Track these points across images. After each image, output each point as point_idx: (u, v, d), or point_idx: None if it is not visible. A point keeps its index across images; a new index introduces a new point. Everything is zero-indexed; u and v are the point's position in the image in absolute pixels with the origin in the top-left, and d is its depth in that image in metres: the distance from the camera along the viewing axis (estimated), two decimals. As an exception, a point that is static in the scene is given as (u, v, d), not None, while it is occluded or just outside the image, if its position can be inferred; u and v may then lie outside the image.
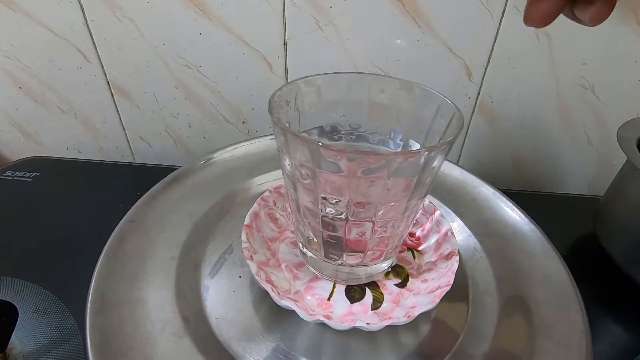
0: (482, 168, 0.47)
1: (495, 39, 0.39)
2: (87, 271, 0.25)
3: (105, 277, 0.25)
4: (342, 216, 0.22)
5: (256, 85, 0.44)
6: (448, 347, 0.23)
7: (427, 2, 0.37)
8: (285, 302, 0.22)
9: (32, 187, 0.41)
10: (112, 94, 0.46)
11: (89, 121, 0.48)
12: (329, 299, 0.24)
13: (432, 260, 0.27)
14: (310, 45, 0.41)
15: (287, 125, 0.22)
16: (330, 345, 0.23)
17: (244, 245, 0.25)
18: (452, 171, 0.35)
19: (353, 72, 0.25)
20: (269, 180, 0.34)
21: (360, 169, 0.19)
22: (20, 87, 0.45)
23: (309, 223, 0.23)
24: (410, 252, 0.28)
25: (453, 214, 0.32)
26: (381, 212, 0.21)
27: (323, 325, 0.22)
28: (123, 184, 0.42)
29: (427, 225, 0.29)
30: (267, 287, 0.23)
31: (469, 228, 0.31)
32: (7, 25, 0.41)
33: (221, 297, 0.25)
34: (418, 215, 0.28)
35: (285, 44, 0.41)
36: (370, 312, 0.24)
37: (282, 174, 0.23)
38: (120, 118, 0.48)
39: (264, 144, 0.38)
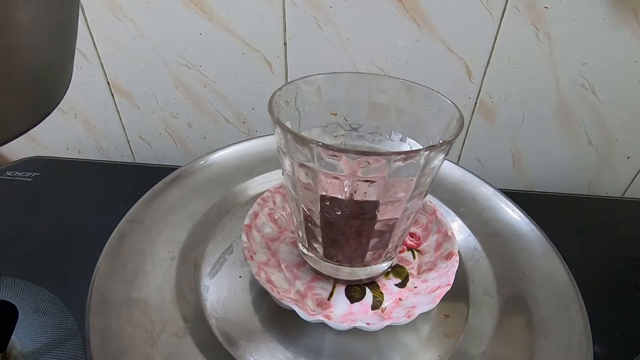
0: (482, 168, 0.47)
1: (495, 39, 0.39)
2: (87, 271, 0.25)
3: (105, 277, 0.25)
4: (342, 216, 0.22)
5: (256, 85, 0.44)
6: (448, 347, 0.23)
7: (427, 2, 0.37)
8: (285, 302, 0.22)
9: (32, 187, 0.41)
10: (112, 94, 0.46)
11: (89, 121, 0.48)
12: (329, 299, 0.24)
13: (432, 260, 0.27)
14: (310, 45, 0.41)
15: (287, 125, 0.22)
16: (330, 345, 0.23)
17: (244, 245, 0.25)
18: (452, 171, 0.35)
19: (353, 72, 0.25)
20: (269, 180, 0.34)
21: (360, 169, 0.19)
22: (20, 87, 0.45)
23: (308, 223, 0.23)
24: (410, 252, 0.28)
25: (453, 214, 0.32)
26: (381, 212, 0.21)
27: (323, 325, 0.22)
28: (123, 184, 0.42)
29: (427, 225, 0.29)
30: (267, 287, 0.23)
31: (469, 228, 0.31)
32: (7, 25, 0.41)
33: (221, 297, 0.25)
34: (418, 215, 0.28)
35: (285, 44, 0.41)
36: (370, 312, 0.24)
37: (282, 174, 0.23)
38: (120, 118, 0.48)
39: (264, 144, 0.37)
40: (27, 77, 0.15)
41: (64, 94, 0.18)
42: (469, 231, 0.30)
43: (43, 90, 0.17)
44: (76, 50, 0.21)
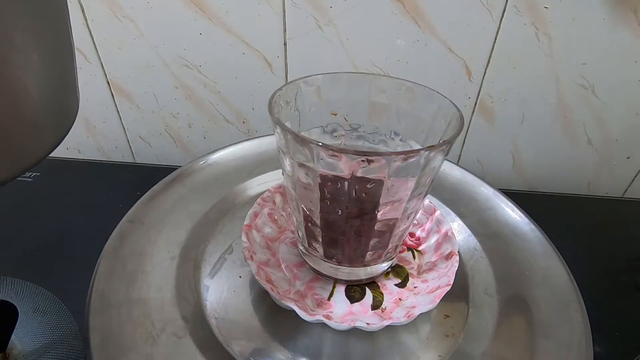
0: (482, 168, 0.47)
1: (495, 39, 0.39)
2: (87, 271, 0.25)
3: (105, 277, 0.25)
4: (342, 216, 0.22)
5: (256, 85, 0.44)
6: (448, 347, 0.23)
7: (427, 2, 0.37)
8: (285, 302, 0.22)
9: (32, 187, 0.41)
10: (112, 94, 0.46)
11: (89, 121, 0.48)
12: (329, 299, 0.24)
13: (432, 260, 0.27)
14: (310, 45, 0.41)
15: (287, 125, 0.22)
16: (330, 345, 0.23)
17: (244, 245, 0.25)
18: (452, 171, 0.35)
19: (353, 72, 0.25)
20: (269, 180, 0.34)
21: (360, 169, 0.19)
22: (20, 87, 0.45)
23: (308, 223, 0.23)
24: (410, 252, 0.28)
25: (453, 214, 0.32)
26: (381, 212, 0.21)
27: (323, 325, 0.22)
28: (123, 184, 0.42)
29: (427, 225, 0.29)
30: (267, 287, 0.23)
31: (469, 228, 0.31)
32: (7, 25, 0.41)
33: (221, 297, 0.25)
34: (418, 215, 0.28)
35: (285, 44, 0.41)
36: (370, 312, 0.24)
37: (282, 174, 0.23)
38: (120, 118, 0.48)
39: (264, 144, 0.38)
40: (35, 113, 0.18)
41: (75, 118, 0.21)
42: (469, 231, 0.31)
43: (54, 120, 0.20)
44: (76, 50, 0.21)
